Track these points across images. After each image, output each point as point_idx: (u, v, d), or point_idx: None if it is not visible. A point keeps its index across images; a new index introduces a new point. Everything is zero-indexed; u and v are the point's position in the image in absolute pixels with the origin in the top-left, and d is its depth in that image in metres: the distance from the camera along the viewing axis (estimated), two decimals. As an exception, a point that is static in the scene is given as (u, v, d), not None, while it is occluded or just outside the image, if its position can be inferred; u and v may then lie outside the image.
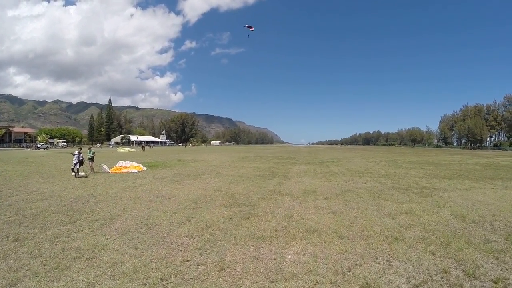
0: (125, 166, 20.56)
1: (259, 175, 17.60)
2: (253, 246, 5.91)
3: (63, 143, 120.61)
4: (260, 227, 7.17)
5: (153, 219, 7.94)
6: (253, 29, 35.29)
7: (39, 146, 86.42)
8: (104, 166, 20.13)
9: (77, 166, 16.57)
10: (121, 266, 4.99)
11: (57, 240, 6.24)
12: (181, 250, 5.69)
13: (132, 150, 65.84)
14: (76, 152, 17.12)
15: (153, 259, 5.28)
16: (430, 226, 7.31)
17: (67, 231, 6.82)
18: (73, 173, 16.52)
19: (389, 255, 5.48)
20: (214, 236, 6.51)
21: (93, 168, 19.42)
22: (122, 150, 62.69)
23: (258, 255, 5.45)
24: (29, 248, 5.77)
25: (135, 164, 21.33)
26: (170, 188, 13.10)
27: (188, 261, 5.21)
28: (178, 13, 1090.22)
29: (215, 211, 8.91)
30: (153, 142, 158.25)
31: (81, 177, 16.30)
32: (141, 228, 7.12)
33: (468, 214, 8.64)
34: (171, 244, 6.00)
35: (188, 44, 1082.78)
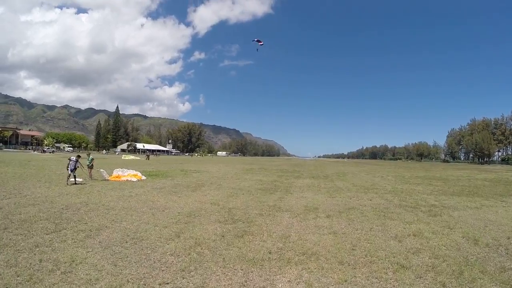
0: (123, 175, 20.16)
1: (261, 189, 17.02)
2: (242, 270, 5.36)
3: (69, 148, 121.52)
4: (253, 247, 6.60)
5: (141, 232, 7.51)
6: (262, 43, 34.92)
7: (45, 149, 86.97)
8: (102, 171, 19.69)
9: (74, 173, 16.19)
10: (95, 284, 4.61)
11: (37, 249, 5.95)
12: (163, 270, 5.22)
13: (137, 158, 65.58)
14: (73, 158, 16.70)
15: (130, 278, 4.84)
16: (440, 251, 6.67)
17: (50, 241, 6.51)
18: (69, 181, 16.09)
19: (394, 286, 4.87)
20: (201, 255, 5.98)
21: (91, 175, 19.09)
22: (126, 158, 62.41)
23: (245, 281, 4.91)
24: (7, 255, 5.53)
25: (132, 172, 20.96)
26: (166, 199, 12.67)
27: (167, 283, 4.75)
28: (188, 24, 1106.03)
29: (208, 227, 8.38)
30: (159, 151, 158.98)
31: (78, 184, 16.08)
32: (127, 242, 6.67)
33: (481, 237, 8.00)
34: (154, 263, 5.53)
35: (197, 55, 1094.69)
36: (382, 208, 11.81)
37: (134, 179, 19.28)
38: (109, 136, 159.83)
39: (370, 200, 13.90)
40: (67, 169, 16.43)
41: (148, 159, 61.36)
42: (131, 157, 67.68)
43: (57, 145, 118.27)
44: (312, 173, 32.97)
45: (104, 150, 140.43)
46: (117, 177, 19.59)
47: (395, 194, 16.39)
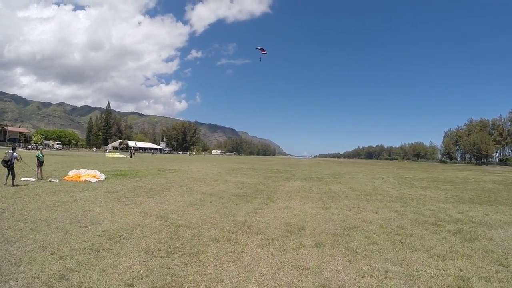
0: (82, 174, 17.54)
1: (238, 194, 13.70)
2: None
3: (58, 145, 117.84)
4: None
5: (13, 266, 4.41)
6: (265, 52, 33.72)
7: (30, 146, 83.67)
8: (53, 180, 16.68)
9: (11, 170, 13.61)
10: None
11: None
12: None
13: (122, 156, 62.24)
14: (9, 152, 13.94)
15: None
16: None
17: None
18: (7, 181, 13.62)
19: None
20: None
21: (41, 174, 16.62)
22: (110, 156, 60.20)
23: None
24: None
25: (92, 172, 18.08)
26: (106, 208, 9.68)
27: None
28: (185, 22, 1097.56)
29: (120, 262, 5.41)
30: (151, 149, 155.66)
31: (20, 184, 13.89)
32: None
33: None
34: None
35: (194, 54, 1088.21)
36: (394, 227, 8.48)
37: (93, 179, 16.64)
38: (100, 133, 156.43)
39: (376, 213, 10.54)
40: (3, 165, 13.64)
41: (132, 156, 57.85)
42: (115, 155, 65.07)
43: (46, 142, 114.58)
44: (305, 174, 29.57)
45: (95, 148, 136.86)
46: (76, 177, 17.00)
47: (404, 202, 13.08)
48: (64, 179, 16.36)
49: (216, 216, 9.33)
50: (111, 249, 5.94)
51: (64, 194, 11.83)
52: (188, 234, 7.26)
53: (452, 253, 6.45)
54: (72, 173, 17.89)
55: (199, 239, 6.90)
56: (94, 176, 17.25)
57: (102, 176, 17.62)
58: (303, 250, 6.38)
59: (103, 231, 7.11)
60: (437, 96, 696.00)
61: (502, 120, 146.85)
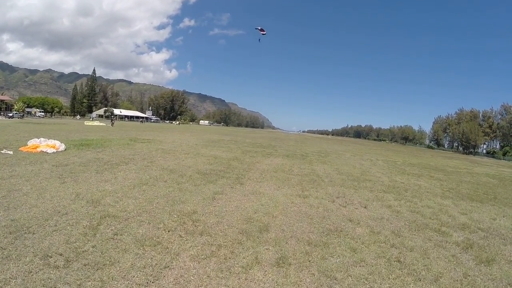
0: (40, 144, 15.26)
1: (203, 172, 11.48)
2: None
3: (41, 113, 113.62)
4: None
5: None
6: (264, 33, 32.22)
7: (10, 114, 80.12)
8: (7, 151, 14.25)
9: None
10: None
11: None
12: None
13: (102, 124, 59.15)
14: None
15: None
16: None
17: None
18: None
19: None
20: None
21: None
22: (89, 124, 56.98)
23: None
24: None
25: (50, 142, 15.77)
26: (37, 188, 7.56)
27: None
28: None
29: (2, 271, 3.24)
30: (137, 117, 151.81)
31: None
32: None
33: None
34: None
35: (187, 22, 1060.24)
36: (389, 233, 6.39)
37: (50, 150, 14.41)
38: (85, 101, 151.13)
39: (365, 207, 8.42)
40: None
41: (113, 125, 54.87)
42: (94, 123, 61.82)
43: (28, 110, 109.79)
44: (289, 150, 27.36)
45: (78, 116, 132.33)
46: (34, 147, 14.87)
47: (398, 194, 11.05)
48: (20, 150, 14.05)
49: (161, 202, 7.15)
50: (4, 250, 3.99)
51: (5, 168, 9.47)
52: (110, 231, 5.19)
53: (465, 279, 4.46)
54: (31, 143, 15.58)
55: (119, 240, 4.84)
56: (53, 147, 15.05)
57: (62, 147, 15.35)
58: (257, 270, 4.25)
59: (12, 220, 5.15)
60: (429, 83, 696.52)
61: (493, 113, 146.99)
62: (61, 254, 4.19)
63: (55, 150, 14.51)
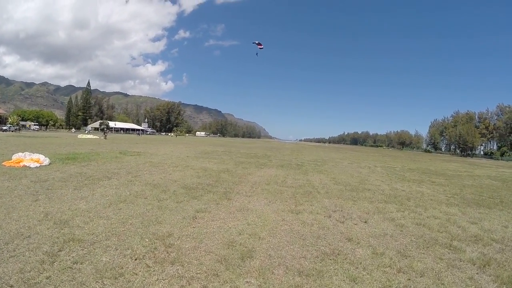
0: (25, 159, 14.56)
1: (188, 187, 10.60)
2: None
3: (35, 126, 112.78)
4: None
5: None
6: (262, 47, 32.39)
7: (4, 128, 79.37)
8: None
9: None
10: None
11: None
12: None
13: (95, 137, 58.22)
14: None
15: None
16: None
17: None
18: None
19: None
20: None
21: None
22: (82, 137, 56.08)
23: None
24: None
25: (34, 157, 15.01)
26: (6, 206, 6.85)
27: None
28: (174, 2, 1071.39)
29: None
30: (133, 129, 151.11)
31: None
32: None
33: None
34: None
35: (182, 34, 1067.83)
36: (394, 254, 5.51)
37: (33, 164, 13.75)
38: (80, 113, 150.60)
39: (366, 222, 7.53)
40: None
41: (105, 138, 53.89)
42: (88, 136, 60.98)
43: (22, 123, 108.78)
44: (284, 160, 26.49)
45: (74, 129, 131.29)
46: (17, 162, 14.24)
47: (400, 203, 10.18)
48: (2, 164, 13.38)
49: (135, 223, 6.31)
50: None
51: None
52: (71, 258, 4.50)
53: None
54: (15, 157, 14.90)
55: (77, 270, 4.19)
56: (37, 161, 14.38)
57: (46, 161, 14.60)
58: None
59: None
60: (424, 86, 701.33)
61: (489, 114, 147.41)
62: (11, 286, 3.61)
63: (38, 165, 13.88)
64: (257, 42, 31.85)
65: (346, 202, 9.68)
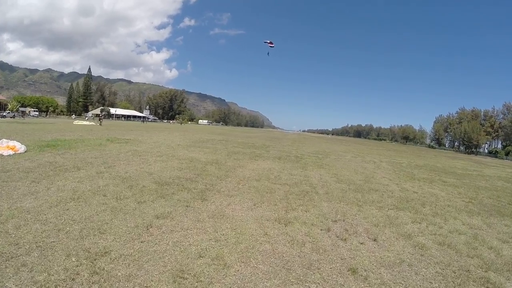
0: (1, 146, 13.44)
1: (163, 182, 8.92)
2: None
3: (35, 112, 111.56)
4: None
5: None
6: (273, 45, 31.75)
7: (4, 114, 78.56)
8: None
9: None
10: None
11: None
12: None
13: (91, 123, 56.67)
14: None
15: None
16: None
17: None
18: None
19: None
20: None
21: None
22: (78, 123, 54.66)
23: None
24: None
25: (11, 144, 13.85)
26: None
27: None
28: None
29: None
30: (135, 116, 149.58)
31: None
32: None
33: None
34: None
35: (187, 22, 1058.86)
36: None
37: (6, 152, 12.67)
38: (81, 100, 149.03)
39: (374, 239, 5.77)
40: None
41: (101, 124, 52.21)
42: (83, 122, 59.47)
43: (22, 109, 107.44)
44: (283, 151, 24.67)
45: (74, 115, 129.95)
46: None
47: (415, 211, 8.42)
48: None
49: (73, 231, 4.88)
50: None
51: None
52: None
53: None
54: None
55: None
56: (13, 148, 13.25)
57: (22, 149, 13.38)
58: None
59: None
60: (430, 81, 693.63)
61: (495, 112, 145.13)
62: None
63: (13, 152, 12.62)
64: (268, 41, 30.95)
65: (350, 208, 7.93)
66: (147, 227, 5.30)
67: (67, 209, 5.86)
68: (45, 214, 5.50)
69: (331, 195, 9.31)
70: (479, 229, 7.46)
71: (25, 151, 12.94)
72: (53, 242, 4.44)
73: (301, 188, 9.87)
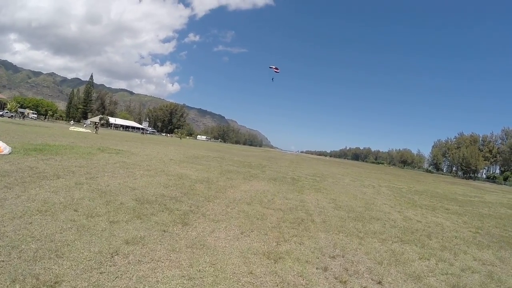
0: None
1: (145, 200, 8.07)
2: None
3: (33, 115, 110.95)
4: None
5: None
6: (278, 71, 32.29)
7: (3, 114, 78.35)
8: None
9: None
10: None
11: None
12: None
13: (87, 131, 55.99)
14: None
15: None
16: None
17: None
18: None
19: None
20: None
21: None
22: (73, 129, 54.16)
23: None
24: None
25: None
26: None
27: None
28: (187, 5, 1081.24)
29: None
30: (134, 127, 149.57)
31: None
32: None
33: None
34: None
35: (192, 37, 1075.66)
36: None
37: None
38: (80, 106, 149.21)
39: (379, 283, 4.88)
40: None
41: (97, 132, 51.51)
42: (79, 129, 58.86)
43: (21, 110, 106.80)
44: (279, 172, 23.83)
45: (72, 121, 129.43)
46: None
47: (421, 245, 7.57)
48: None
49: (28, 251, 4.21)
50: None
51: None
52: None
53: None
54: None
55: None
56: None
57: (6, 150, 12.70)
58: None
59: None
60: (429, 105, 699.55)
61: (494, 137, 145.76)
62: None
63: None
64: (274, 66, 31.28)
65: (350, 240, 7.06)
66: (112, 254, 4.48)
67: (30, 223, 5.19)
68: (4, 227, 4.87)
69: (328, 224, 8.44)
70: (492, 265, 6.70)
71: (10, 153, 12.32)
72: (2, 261, 3.79)
73: (296, 215, 9.00)
